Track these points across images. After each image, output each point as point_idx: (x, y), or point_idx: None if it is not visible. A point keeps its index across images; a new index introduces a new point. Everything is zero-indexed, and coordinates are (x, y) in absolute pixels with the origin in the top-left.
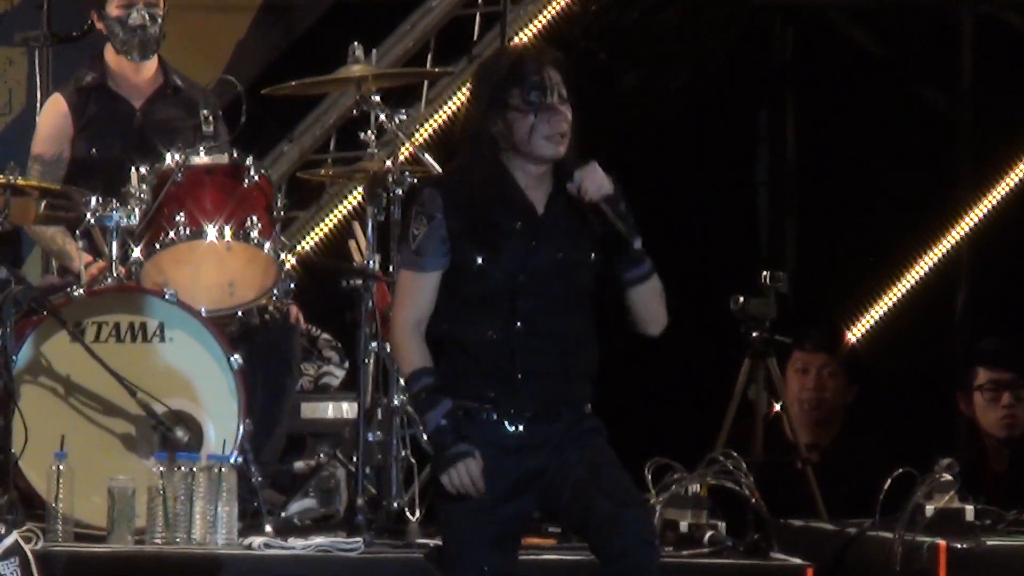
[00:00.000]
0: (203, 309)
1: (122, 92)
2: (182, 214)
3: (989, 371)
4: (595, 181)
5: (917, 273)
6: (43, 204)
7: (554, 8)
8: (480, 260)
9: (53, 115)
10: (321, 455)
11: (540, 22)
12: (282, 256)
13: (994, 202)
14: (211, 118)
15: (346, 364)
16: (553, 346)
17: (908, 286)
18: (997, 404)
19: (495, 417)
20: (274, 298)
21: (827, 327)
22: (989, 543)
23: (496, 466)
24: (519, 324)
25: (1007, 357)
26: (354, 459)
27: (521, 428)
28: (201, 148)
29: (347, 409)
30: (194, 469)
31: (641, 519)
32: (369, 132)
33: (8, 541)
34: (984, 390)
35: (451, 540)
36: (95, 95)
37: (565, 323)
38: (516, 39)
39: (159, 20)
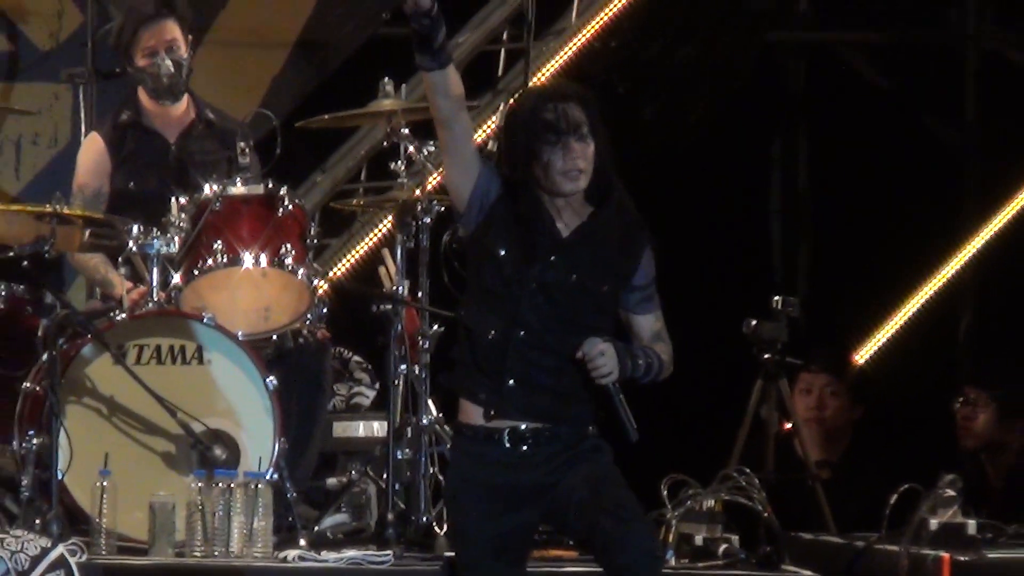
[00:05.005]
0: (240, 333)
1: (157, 127)
2: (220, 242)
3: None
4: (605, 365)
5: (924, 297)
6: (87, 232)
7: (575, 44)
8: (502, 252)
9: (91, 153)
10: (353, 472)
11: (562, 57)
12: (315, 282)
13: (997, 229)
14: (247, 150)
15: (376, 385)
16: (550, 362)
17: (915, 310)
18: (959, 415)
19: (495, 437)
20: (308, 322)
21: (831, 349)
22: (990, 556)
23: (495, 480)
24: (522, 333)
25: (985, 374)
26: (384, 476)
27: (524, 448)
28: (238, 179)
29: (377, 428)
30: (231, 485)
31: (643, 534)
32: (399, 163)
33: (54, 554)
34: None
35: (457, 551)
36: (131, 132)
37: (569, 344)
38: (539, 74)
39: (183, 64)
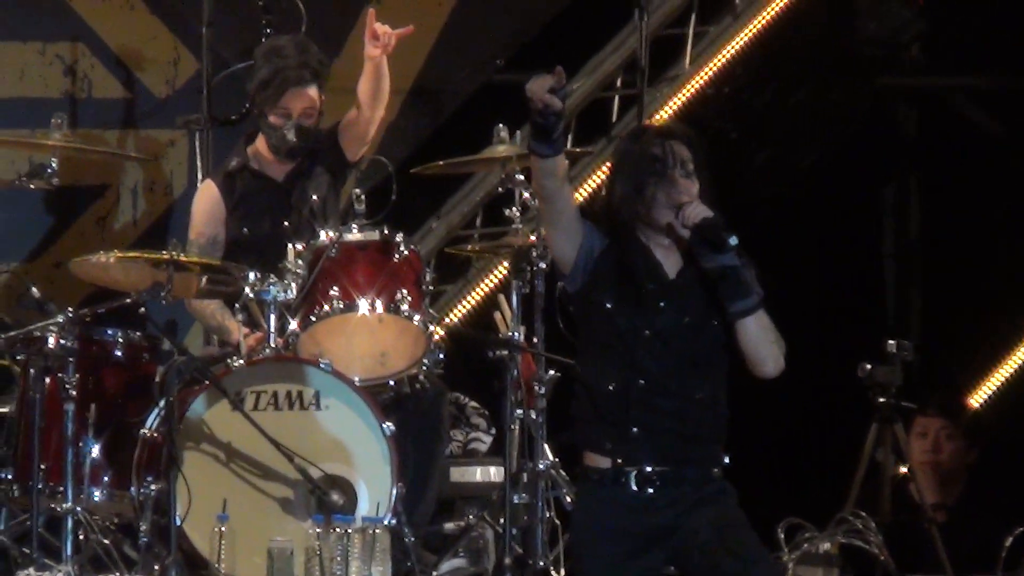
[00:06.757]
0: (357, 378)
1: (265, 169)
2: (336, 288)
3: None
4: (696, 208)
5: None
6: (204, 279)
7: (689, 90)
8: (609, 305)
9: (206, 200)
10: (470, 517)
11: (675, 103)
12: (431, 328)
13: None
14: (362, 197)
15: (493, 430)
16: (673, 406)
17: None
18: None
19: (621, 480)
20: (424, 368)
21: (945, 393)
22: None
23: (622, 524)
24: (641, 381)
25: None
26: (501, 520)
27: (651, 491)
28: (354, 225)
29: (494, 473)
30: (349, 531)
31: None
32: (513, 209)
33: None
34: None
35: None
36: (239, 176)
37: (689, 386)
38: (653, 120)
39: (311, 132)
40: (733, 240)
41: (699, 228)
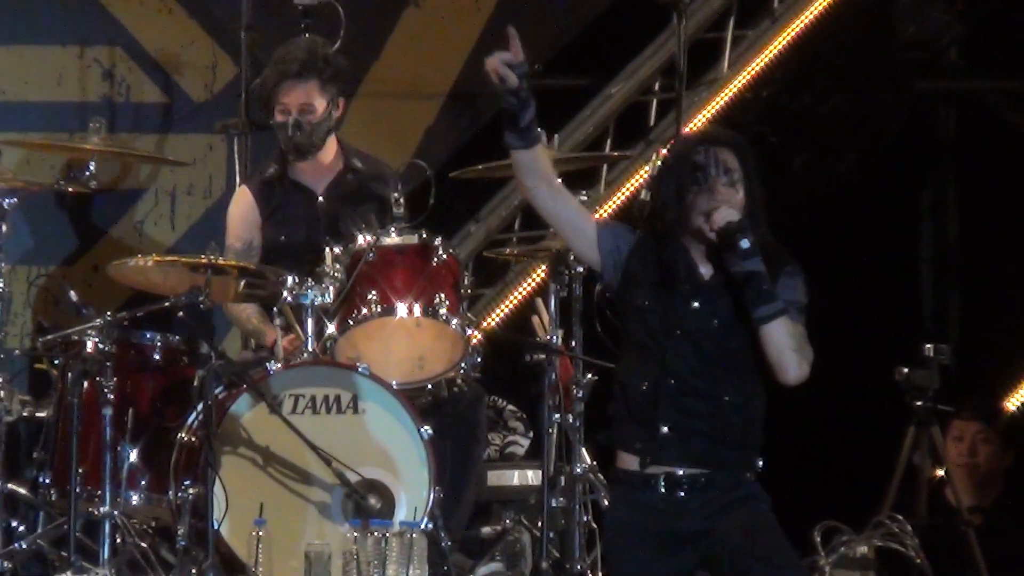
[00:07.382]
0: (394, 382)
1: (303, 180)
2: (374, 292)
3: None
4: (722, 212)
5: None
6: (241, 283)
7: (727, 94)
8: (644, 303)
9: (241, 206)
10: (507, 520)
11: (714, 107)
12: (469, 331)
13: None
14: (401, 200)
15: (530, 434)
16: (703, 407)
17: None
18: None
19: (651, 483)
20: (462, 371)
21: (982, 397)
22: None
23: (652, 526)
24: (672, 381)
25: None
26: (539, 524)
27: (681, 494)
28: (392, 229)
29: (532, 477)
30: (387, 535)
31: None
32: None
33: None
34: None
35: None
36: (278, 185)
37: (719, 388)
38: (691, 124)
39: (312, 129)
40: (744, 244)
41: (720, 232)
